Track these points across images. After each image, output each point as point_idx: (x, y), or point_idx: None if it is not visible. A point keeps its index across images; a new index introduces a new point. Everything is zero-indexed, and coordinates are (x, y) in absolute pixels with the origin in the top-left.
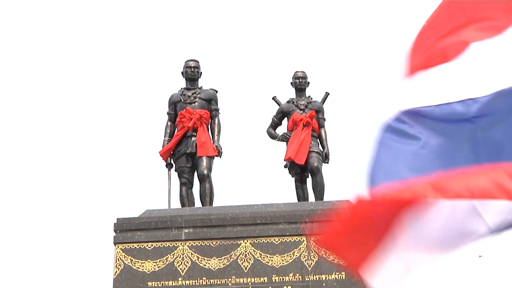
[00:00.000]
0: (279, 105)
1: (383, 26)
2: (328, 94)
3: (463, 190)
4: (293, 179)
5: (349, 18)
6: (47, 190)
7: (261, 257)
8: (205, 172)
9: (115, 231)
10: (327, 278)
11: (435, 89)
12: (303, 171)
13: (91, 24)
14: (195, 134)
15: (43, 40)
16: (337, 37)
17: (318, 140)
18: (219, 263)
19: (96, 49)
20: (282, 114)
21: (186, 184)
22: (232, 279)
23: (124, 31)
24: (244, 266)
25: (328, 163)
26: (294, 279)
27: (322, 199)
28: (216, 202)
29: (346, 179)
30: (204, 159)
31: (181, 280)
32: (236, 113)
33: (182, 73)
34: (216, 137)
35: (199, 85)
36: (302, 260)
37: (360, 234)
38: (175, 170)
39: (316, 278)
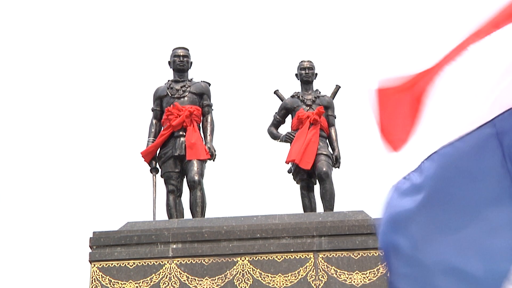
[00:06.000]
0: (282, 100)
1: (402, 8)
2: (339, 87)
3: None
4: (299, 186)
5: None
6: (9, 198)
7: (261, 277)
8: (196, 178)
9: (91, 246)
10: None
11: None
12: (310, 177)
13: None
14: (184, 133)
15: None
16: (349, 21)
17: (327, 141)
18: (213, 284)
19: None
20: (285, 110)
21: (174, 192)
22: None
23: (102, 14)
24: (241, 287)
25: (338, 167)
26: None
27: (332, 210)
28: (209, 213)
29: (359, 186)
30: (195, 163)
31: None
32: (232, 109)
33: (169, 63)
34: (208, 137)
35: (189, 77)
36: (308, 280)
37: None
38: (161, 176)
39: None
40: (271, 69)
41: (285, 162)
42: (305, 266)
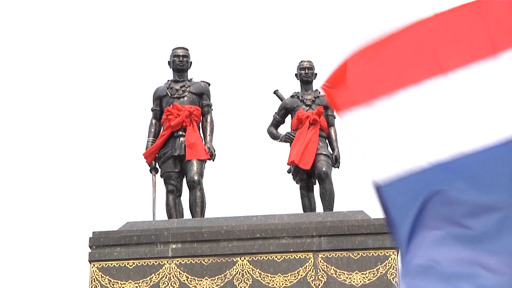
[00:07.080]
0: (281, 100)
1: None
2: None
3: None
4: (298, 186)
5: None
6: (9, 198)
7: (260, 276)
8: (196, 178)
9: (90, 246)
10: None
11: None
12: (310, 177)
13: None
14: (183, 133)
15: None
16: (349, 21)
17: (327, 141)
18: (212, 284)
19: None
20: (285, 110)
21: (173, 192)
22: None
23: (102, 14)
24: (241, 287)
25: (338, 167)
26: None
27: (332, 209)
28: (209, 213)
29: (359, 186)
30: (194, 163)
31: None
32: (231, 109)
33: (169, 62)
34: (208, 137)
35: (189, 77)
36: (308, 280)
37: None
38: (161, 176)
39: None
40: (271, 69)
41: (287, 164)
42: (305, 266)
